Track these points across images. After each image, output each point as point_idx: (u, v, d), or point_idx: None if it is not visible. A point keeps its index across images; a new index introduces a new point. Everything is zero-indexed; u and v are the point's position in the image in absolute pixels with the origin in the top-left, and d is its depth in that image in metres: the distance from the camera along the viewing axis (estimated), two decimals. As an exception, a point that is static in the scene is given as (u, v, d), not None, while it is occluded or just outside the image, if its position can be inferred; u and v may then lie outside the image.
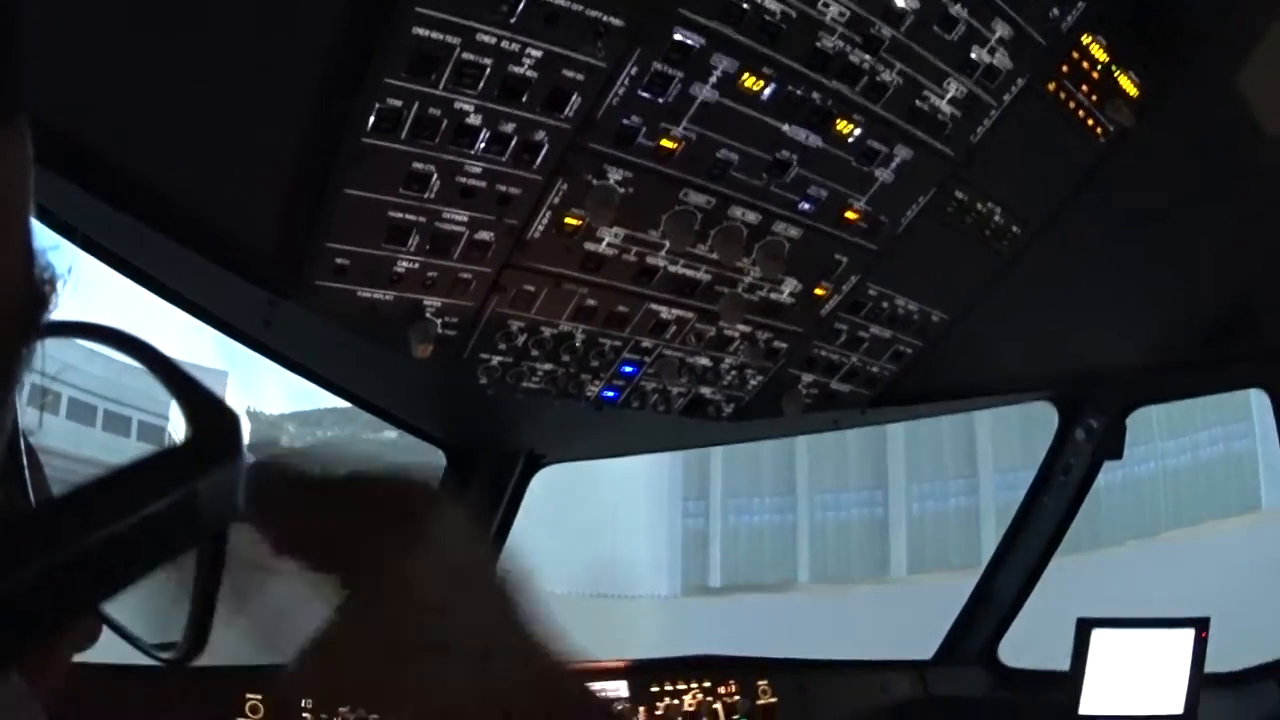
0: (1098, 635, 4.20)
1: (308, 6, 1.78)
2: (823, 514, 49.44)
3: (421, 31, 1.77)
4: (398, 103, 1.88)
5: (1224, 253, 3.35)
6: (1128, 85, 2.51)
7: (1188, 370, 4.08)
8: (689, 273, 2.51)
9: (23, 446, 0.83)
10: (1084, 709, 4.18)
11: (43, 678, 0.86)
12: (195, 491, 0.58)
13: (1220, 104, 2.69)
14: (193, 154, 1.96)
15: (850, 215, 2.54)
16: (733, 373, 2.89)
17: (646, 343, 2.66)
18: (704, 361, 2.80)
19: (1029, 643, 4.86)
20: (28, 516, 0.54)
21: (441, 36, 1.79)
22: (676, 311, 2.60)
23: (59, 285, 0.63)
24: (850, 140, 2.34)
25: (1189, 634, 4.24)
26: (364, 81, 1.84)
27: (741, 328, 2.73)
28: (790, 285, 2.68)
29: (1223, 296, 3.63)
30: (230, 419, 0.65)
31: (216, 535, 0.67)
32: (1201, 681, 4.25)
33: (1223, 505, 33.99)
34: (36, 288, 0.60)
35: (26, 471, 0.85)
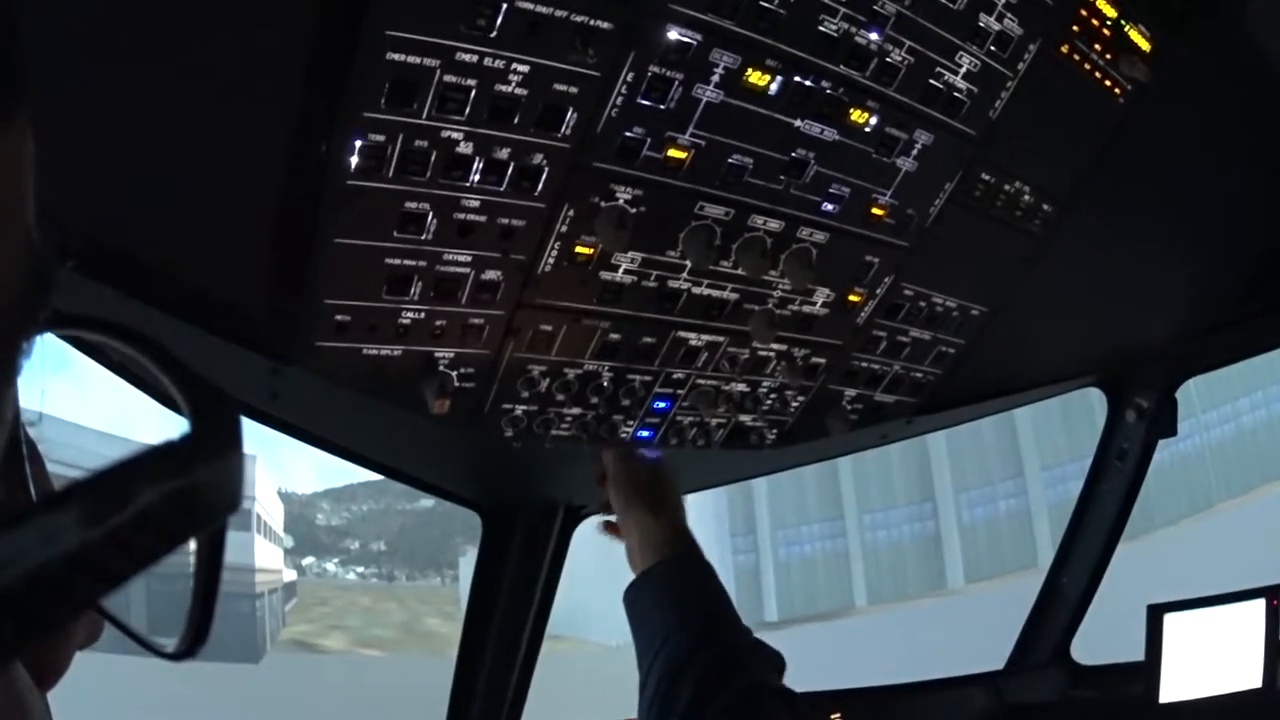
0: (1169, 620, 4.22)
1: (272, 43, 1.68)
2: (873, 534, 49.83)
3: (397, 57, 1.66)
4: (380, 137, 1.76)
5: (1253, 198, 3.32)
6: (1139, 39, 2.45)
7: (1232, 331, 4.03)
8: (714, 293, 2.39)
9: (23, 440, 0.86)
10: (1164, 697, 4.19)
11: (46, 673, 0.93)
12: (194, 484, 0.59)
13: (1233, 43, 2.65)
14: (171, 220, 1.86)
15: (876, 212, 2.43)
16: (772, 396, 2.76)
17: (678, 374, 2.54)
18: (741, 387, 2.68)
19: (1101, 637, 4.81)
20: (28, 511, 0.51)
21: (419, 60, 1.68)
22: (706, 337, 2.49)
23: (59, 280, 0.67)
24: (867, 130, 2.22)
25: (1260, 605, 4.28)
26: (341, 117, 1.72)
27: (776, 347, 2.62)
28: (822, 295, 2.56)
29: (1257, 244, 3.58)
30: (230, 412, 0.66)
31: (216, 528, 0.68)
32: (1279, 650, 4.27)
33: (1272, 469, 34.17)
34: (37, 282, 0.63)
35: (27, 465, 0.87)
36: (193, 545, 0.67)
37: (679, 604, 2.23)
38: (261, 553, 60.31)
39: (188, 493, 0.58)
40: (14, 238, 0.60)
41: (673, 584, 2.29)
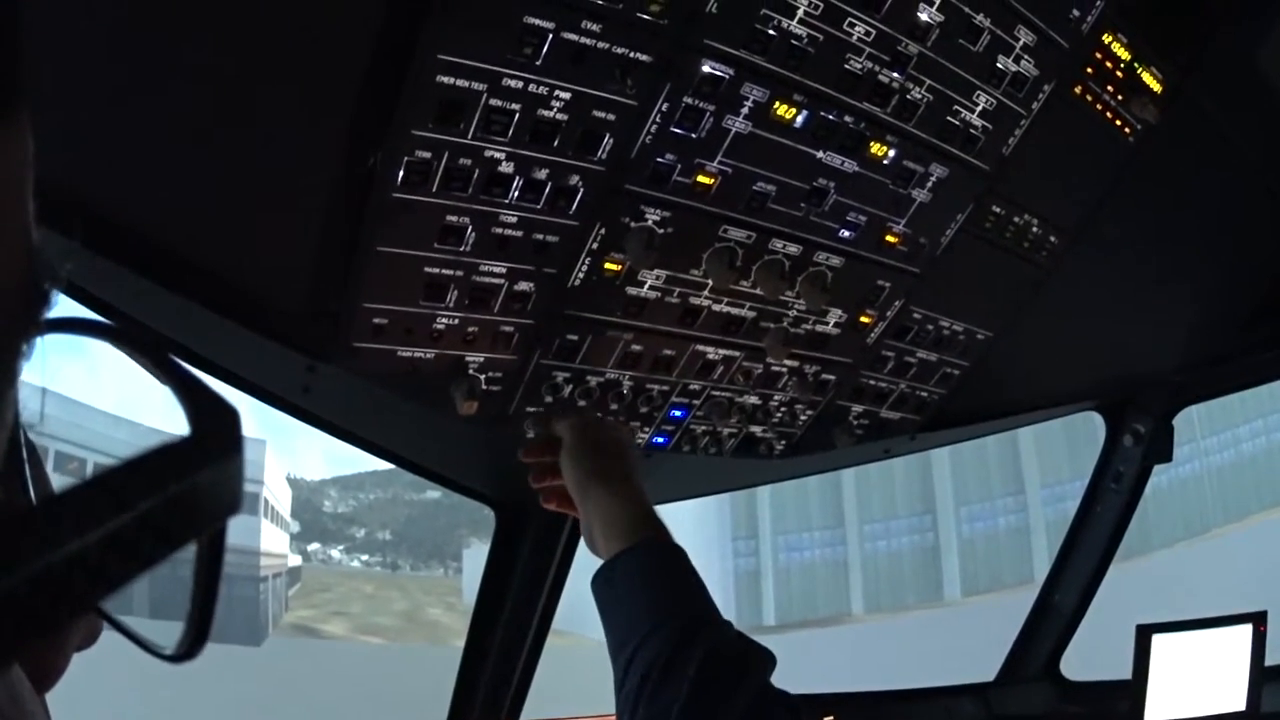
0: (1158, 640, 4.26)
1: (328, 61, 1.77)
2: (873, 544, 49.36)
3: (446, 80, 1.75)
4: (427, 154, 1.85)
5: (1254, 235, 3.40)
6: (1151, 81, 2.53)
7: (1230, 364, 4.10)
8: (733, 311, 2.48)
9: (23, 442, 0.84)
10: (1149, 716, 4.22)
11: (44, 675, 0.92)
12: (195, 487, 0.58)
13: (1242, 86, 2.72)
14: (221, 220, 1.94)
15: (890, 239, 2.52)
16: (783, 409, 2.85)
17: (694, 385, 2.62)
18: (753, 400, 2.77)
19: (1091, 655, 4.86)
20: (27, 514, 0.52)
21: (467, 84, 1.77)
22: (723, 351, 2.57)
23: (59, 282, 0.66)
24: (885, 162, 2.32)
25: (1247, 630, 4.33)
26: (390, 134, 1.81)
27: (789, 363, 2.71)
28: (835, 315, 2.65)
29: (1258, 279, 3.67)
30: (230, 414, 0.65)
31: (216, 530, 0.67)
32: (1263, 675, 4.33)
33: (1269, 497, 33.96)
34: (37, 284, 0.63)
35: (27, 467, 0.86)
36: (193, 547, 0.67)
37: (660, 593, 2.10)
38: (268, 537, 59.70)
39: (188, 496, 0.58)
40: (13, 239, 0.60)
41: (651, 571, 2.14)
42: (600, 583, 2.15)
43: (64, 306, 0.71)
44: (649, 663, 1.93)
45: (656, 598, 2.07)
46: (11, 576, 0.47)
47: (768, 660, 2.02)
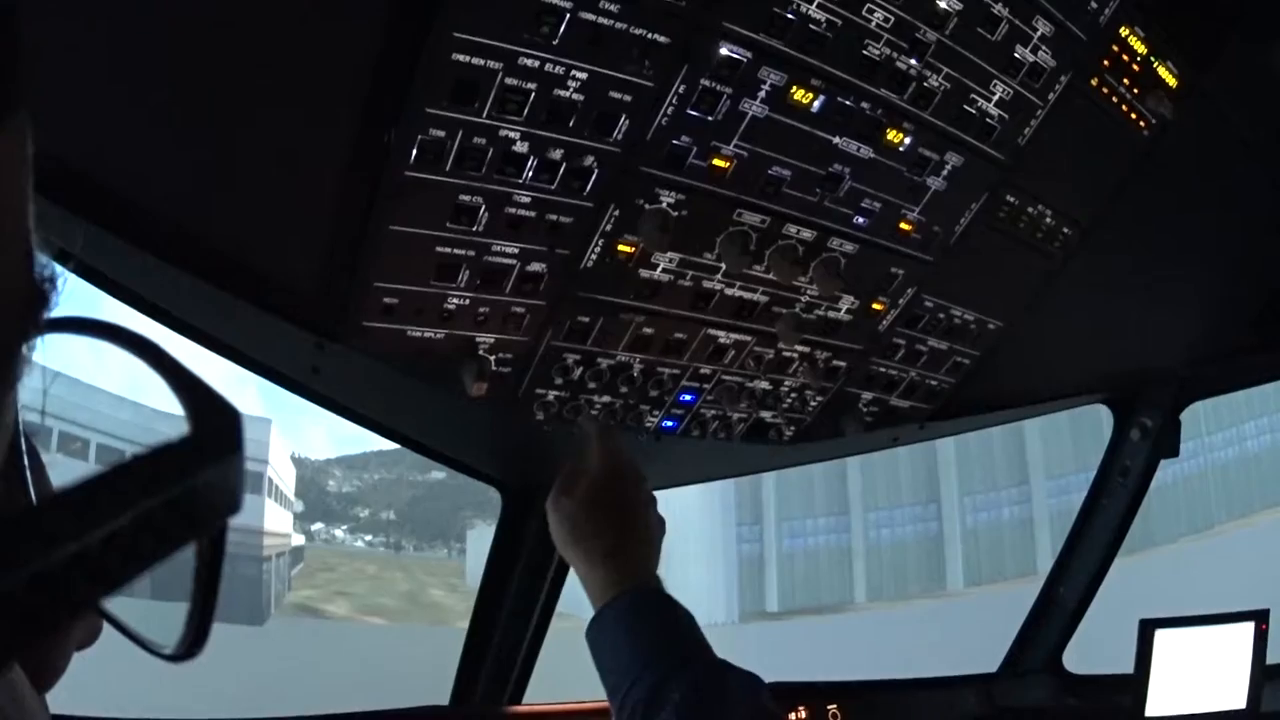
0: (1160, 636, 4.25)
1: (342, 37, 1.75)
2: (877, 532, 49.47)
3: (462, 58, 1.73)
4: (440, 133, 1.84)
5: (1267, 232, 3.38)
6: (1167, 76, 2.52)
7: (1239, 360, 4.08)
8: (746, 295, 2.47)
9: (23, 444, 0.87)
10: (1150, 711, 4.22)
11: (44, 674, 0.97)
12: (195, 487, 0.58)
13: (1258, 83, 2.70)
14: (231, 198, 1.93)
15: (904, 227, 2.51)
16: (793, 395, 2.84)
17: (705, 369, 2.61)
18: (764, 385, 2.76)
19: (1094, 648, 4.86)
20: (27, 514, 0.51)
21: (483, 62, 1.75)
22: (734, 336, 2.56)
23: (58, 283, 0.67)
24: (901, 150, 2.30)
25: (1249, 627, 4.31)
26: (404, 112, 1.80)
27: (800, 348, 2.69)
28: (847, 302, 2.64)
29: (1268, 278, 3.66)
30: (230, 414, 0.65)
31: (216, 531, 0.67)
32: (1264, 674, 4.31)
33: (1272, 495, 33.95)
34: (36, 286, 0.64)
35: (27, 468, 0.89)
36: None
37: (646, 639, 2.13)
38: (271, 516, 59.82)
39: (188, 496, 0.58)
40: (12, 242, 0.60)
41: (634, 619, 2.18)
42: (592, 634, 2.20)
43: (68, 296, 0.72)
44: (635, 702, 1.98)
45: (645, 643, 2.11)
46: (11, 576, 0.48)
47: (751, 687, 2.06)
